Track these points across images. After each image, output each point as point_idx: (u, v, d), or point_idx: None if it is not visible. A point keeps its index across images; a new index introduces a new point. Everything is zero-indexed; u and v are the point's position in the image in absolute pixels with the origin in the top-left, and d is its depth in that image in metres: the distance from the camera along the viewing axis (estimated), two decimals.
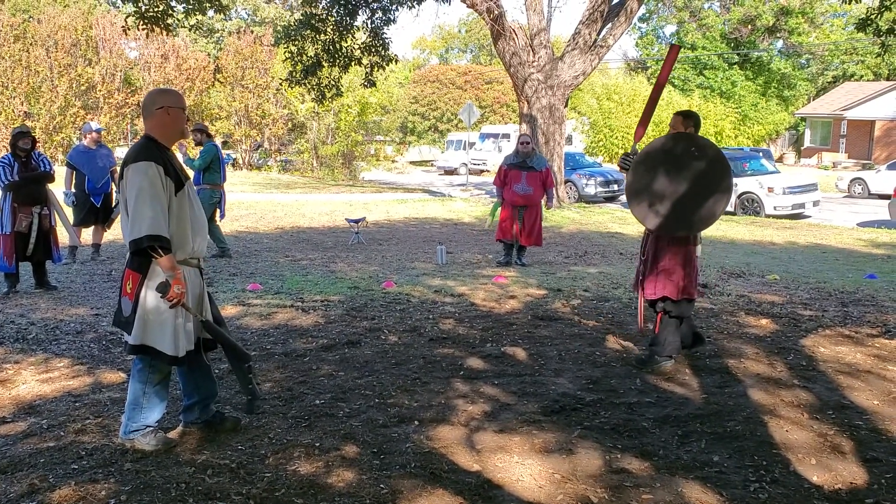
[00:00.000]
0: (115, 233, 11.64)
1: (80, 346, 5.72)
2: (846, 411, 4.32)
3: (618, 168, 5.39)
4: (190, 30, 12.19)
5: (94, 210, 9.80)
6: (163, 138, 3.73)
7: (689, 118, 5.14)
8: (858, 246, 12.38)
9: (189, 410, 4.00)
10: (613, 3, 18.47)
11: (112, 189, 10.00)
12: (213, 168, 9.89)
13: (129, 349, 3.70)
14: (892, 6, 8.98)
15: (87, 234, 10.22)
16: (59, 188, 8.87)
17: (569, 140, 31.25)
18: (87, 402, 4.49)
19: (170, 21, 10.61)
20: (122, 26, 11.03)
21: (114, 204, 10.02)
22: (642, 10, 42.26)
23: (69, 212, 9.26)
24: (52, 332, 6.09)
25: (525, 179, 9.52)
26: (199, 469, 3.56)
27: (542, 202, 9.87)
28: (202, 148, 9.95)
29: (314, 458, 3.69)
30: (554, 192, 9.77)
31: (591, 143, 35.38)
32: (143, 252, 3.56)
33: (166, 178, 3.61)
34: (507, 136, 35.24)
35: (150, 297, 3.60)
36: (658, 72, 5.70)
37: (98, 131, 9.95)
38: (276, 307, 7.00)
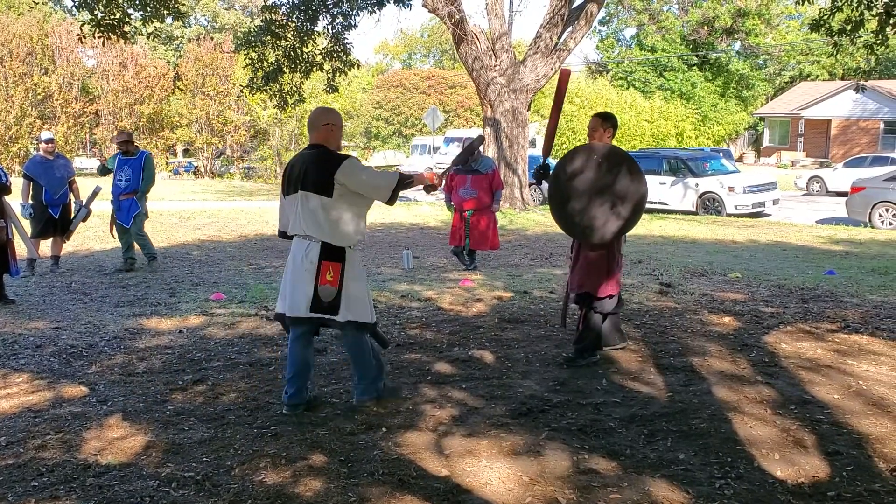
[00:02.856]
0: (74, 244, 11.44)
1: (39, 360, 5.61)
2: (808, 406, 4.39)
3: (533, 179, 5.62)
4: (148, 37, 12.02)
5: (53, 221, 9.60)
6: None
7: (607, 120, 5.31)
8: (818, 243, 12.61)
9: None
10: (574, 6, 18.62)
11: (70, 200, 9.79)
12: (147, 178, 9.74)
13: (339, 325, 4.34)
14: (843, 7, 9.17)
15: (46, 246, 10.01)
16: (16, 200, 8.70)
17: (532, 143, 31.38)
18: (47, 417, 4.40)
19: (126, 29, 10.44)
20: (78, 34, 10.82)
21: (72, 215, 9.82)
22: (602, 13, 42.66)
23: (27, 224, 9.08)
24: (10, 347, 5.96)
25: (469, 183, 9.39)
26: (164, 482, 3.50)
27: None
28: (135, 157, 9.63)
29: (281, 468, 3.66)
30: (501, 194, 9.72)
31: (555, 145, 35.61)
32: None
33: None
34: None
35: (351, 280, 4.29)
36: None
37: (48, 141, 9.72)
38: (241, 316, 6.92)
